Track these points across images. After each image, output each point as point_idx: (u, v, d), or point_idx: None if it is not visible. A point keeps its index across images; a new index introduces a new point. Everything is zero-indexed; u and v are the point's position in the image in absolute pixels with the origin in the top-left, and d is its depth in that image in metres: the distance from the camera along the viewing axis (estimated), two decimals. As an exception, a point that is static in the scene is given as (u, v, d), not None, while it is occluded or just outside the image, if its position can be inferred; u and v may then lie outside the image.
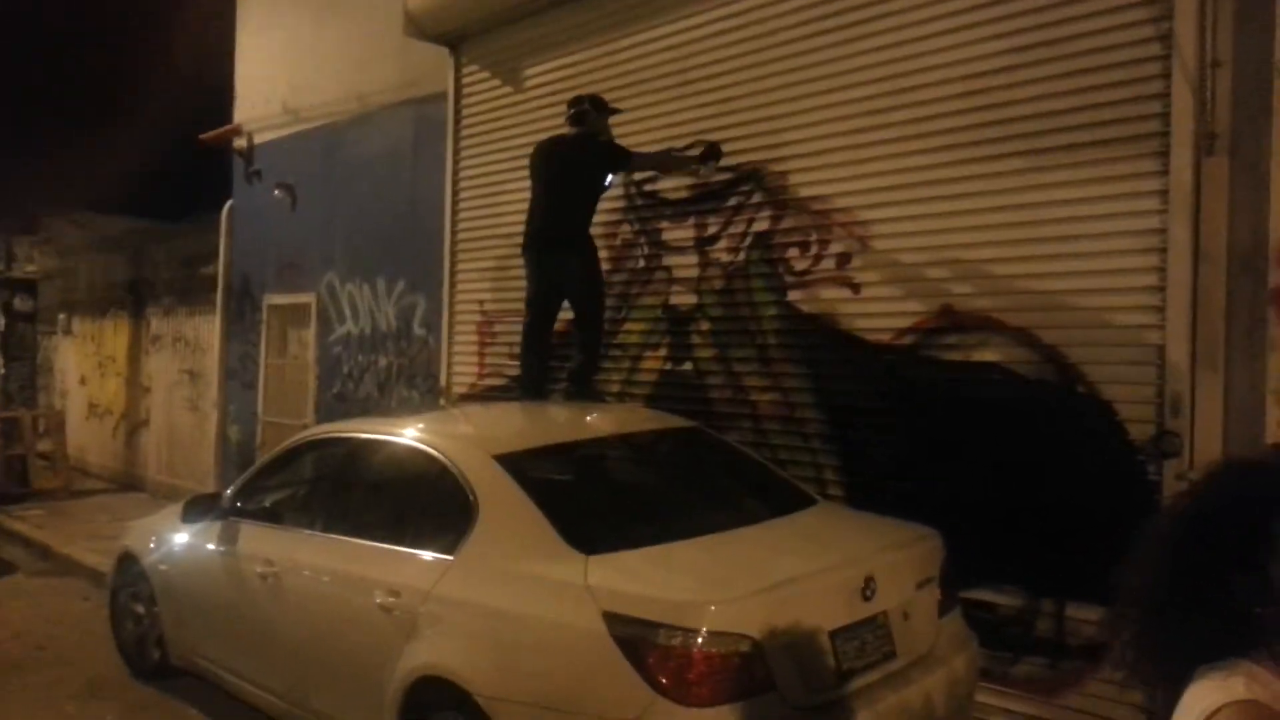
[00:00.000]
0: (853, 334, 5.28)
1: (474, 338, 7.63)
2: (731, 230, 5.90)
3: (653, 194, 6.38)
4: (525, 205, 6.24)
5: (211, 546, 5.26)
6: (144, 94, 13.05)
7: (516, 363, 6.74)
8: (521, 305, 6.26)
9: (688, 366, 6.12)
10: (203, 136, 11.03)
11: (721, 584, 3.48)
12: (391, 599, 3.99)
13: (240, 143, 10.63)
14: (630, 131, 6.17)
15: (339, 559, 4.46)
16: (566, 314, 6.06)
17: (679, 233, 6.21)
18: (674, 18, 6.20)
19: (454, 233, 7.79)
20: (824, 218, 5.41)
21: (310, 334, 9.56)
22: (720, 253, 5.96)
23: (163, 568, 5.73)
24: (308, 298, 9.57)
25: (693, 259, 6.11)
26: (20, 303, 14.91)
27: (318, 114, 9.55)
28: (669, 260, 6.27)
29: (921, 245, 4.98)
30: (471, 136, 7.70)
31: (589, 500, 4.42)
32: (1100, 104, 4.37)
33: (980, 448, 4.71)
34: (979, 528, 4.50)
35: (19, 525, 10.29)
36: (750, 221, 5.79)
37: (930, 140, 4.93)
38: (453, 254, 7.79)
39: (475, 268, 7.63)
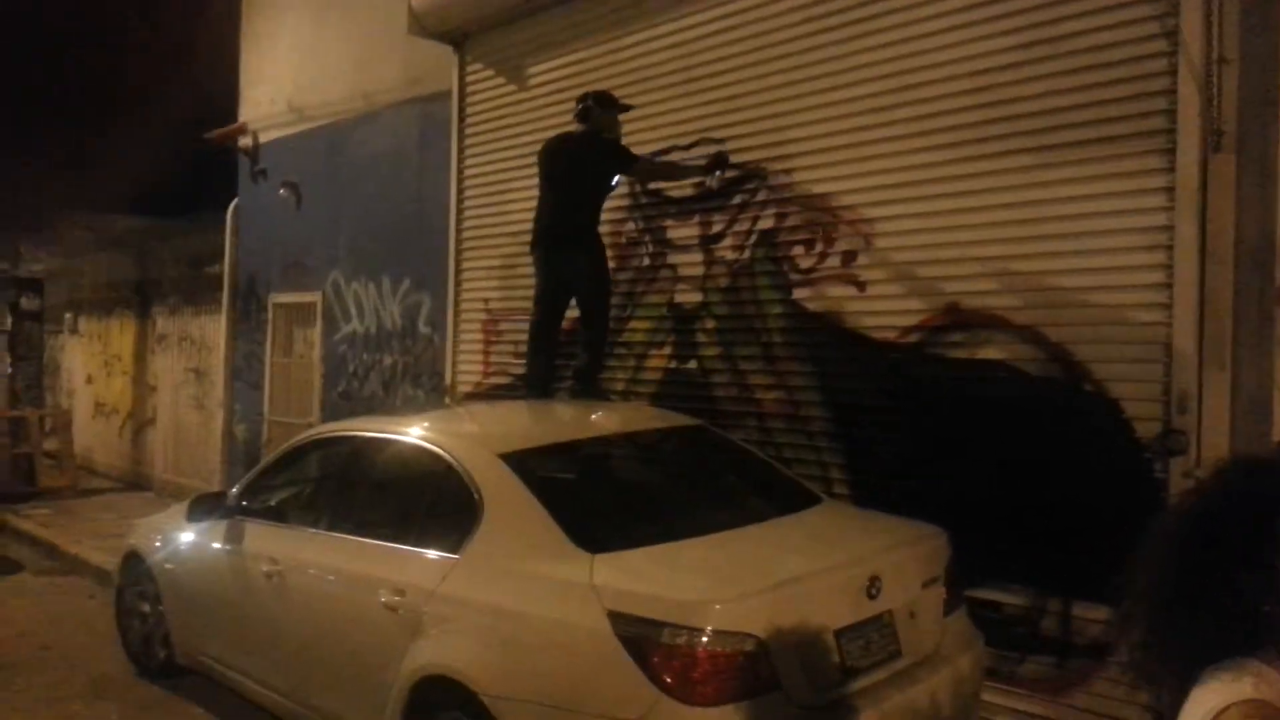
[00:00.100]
0: (858, 332, 5.27)
1: (479, 336, 7.63)
2: (736, 228, 5.89)
3: (657, 192, 6.37)
4: (531, 203, 6.24)
5: (217, 545, 5.27)
6: (149, 93, 13.06)
7: (522, 361, 6.74)
8: (527, 303, 6.26)
9: (693, 365, 6.11)
10: (208, 135, 11.04)
11: (726, 583, 3.48)
12: (396, 598, 3.99)
13: (245, 142, 10.65)
14: (635, 129, 6.16)
15: (344, 558, 4.46)
16: (574, 312, 6.05)
17: (684, 231, 6.20)
18: (678, 15, 6.18)
19: (459, 231, 7.78)
20: (829, 215, 5.40)
21: (316, 333, 9.56)
22: (725, 251, 5.95)
23: (168, 566, 5.74)
24: (313, 296, 9.58)
25: (698, 257, 6.10)
26: (27, 302, 14.91)
27: (322, 113, 9.55)
28: (674, 258, 6.26)
29: (927, 243, 4.97)
30: (476, 135, 7.69)
31: (594, 499, 4.42)
32: (1106, 100, 4.35)
33: (986, 446, 4.70)
34: (985, 526, 4.49)
35: (26, 524, 10.31)
36: (755, 219, 5.78)
37: (935, 137, 4.91)
38: (458, 252, 7.79)
39: (480, 266, 7.63)
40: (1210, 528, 1.50)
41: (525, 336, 6.33)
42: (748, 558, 3.77)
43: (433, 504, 4.36)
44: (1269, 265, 3.91)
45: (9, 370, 14.00)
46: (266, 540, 4.96)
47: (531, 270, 6.25)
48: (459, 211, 7.78)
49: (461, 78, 7.80)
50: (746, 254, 5.83)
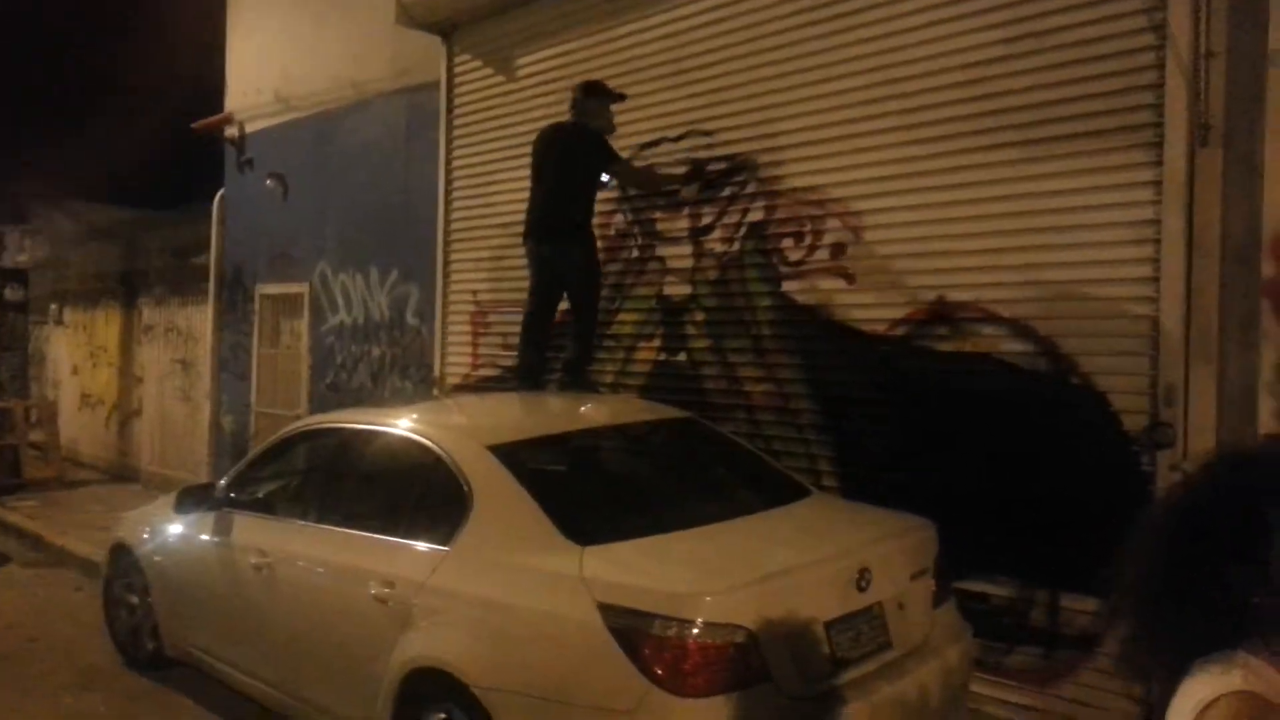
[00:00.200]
0: (847, 324, 5.28)
1: (467, 328, 7.62)
2: (726, 220, 5.89)
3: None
4: (519, 194, 6.24)
5: (205, 537, 5.25)
6: (135, 83, 12.98)
7: (510, 353, 6.73)
8: (515, 295, 6.25)
9: (682, 357, 6.11)
10: (194, 125, 10.98)
11: (716, 575, 3.49)
12: (386, 590, 3.99)
13: (232, 132, 10.58)
14: (624, 120, 6.15)
15: (333, 550, 4.46)
16: (565, 303, 6.05)
17: (673, 223, 6.20)
18: (667, 6, 6.17)
19: (447, 222, 7.77)
20: (818, 208, 5.41)
21: (303, 324, 9.53)
22: (715, 243, 5.95)
23: (156, 558, 5.72)
24: (300, 288, 9.55)
25: (687, 249, 6.10)
26: (11, 293, 14.84)
27: (310, 103, 9.51)
28: (663, 250, 6.26)
29: (916, 236, 4.98)
30: (465, 126, 7.67)
31: (584, 491, 4.41)
32: (1094, 94, 4.37)
33: (974, 438, 4.72)
34: (973, 518, 4.52)
35: (12, 516, 10.25)
36: (745, 212, 5.78)
37: (924, 130, 4.93)
38: (446, 243, 7.78)
39: (469, 257, 7.61)
40: (1198, 521, 1.51)
41: (514, 329, 6.33)
42: (738, 550, 3.78)
43: (422, 496, 4.36)
44: (1255, 259, 3.94)
45: (-7, 362, 13.95)
46: (255, 532, 4.95)
47: (520, 262, 6.24)
48: (447, 202, 7.76)
49: (450, 68, 7.77)
50: (736, 246, 5.83)
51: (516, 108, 7.20)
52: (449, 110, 7.77)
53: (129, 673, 5.92)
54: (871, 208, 5.17)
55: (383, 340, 8.58)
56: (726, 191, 5.87)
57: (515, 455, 4.12)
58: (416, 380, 8.15)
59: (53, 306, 15.02)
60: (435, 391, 7.71)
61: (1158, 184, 4.18)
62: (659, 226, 6.29)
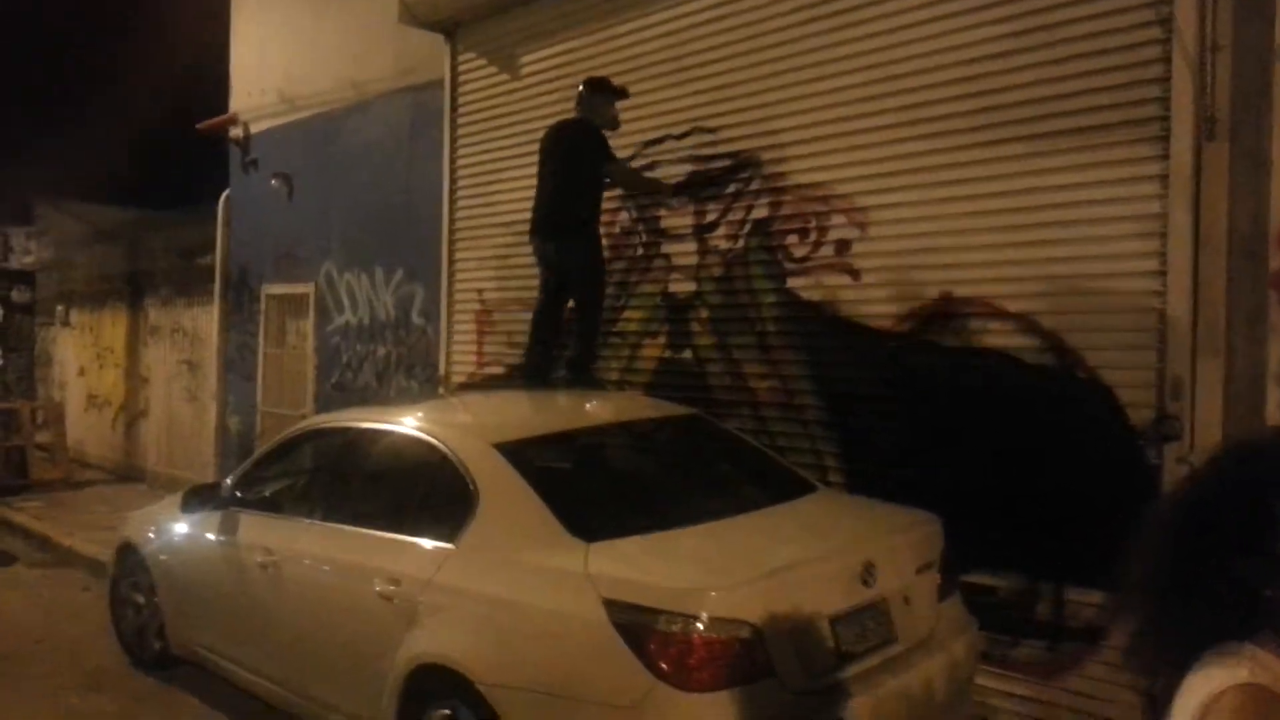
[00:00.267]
0: (852, 321, 5.27)
1: (473, 326, 7.62)
2: (730, 217, 5.89)
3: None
4: (524, 193, 6.25)
5: (211, 536, 5.26)
6: (140, 84, 13.01)
7: (515, 351, 6.73)
8: (520, 294, 6.26)
9: (687, 354, 6.11)
10: (199, 126, 11.00)
11: (722, 571, 3.49)
12: (392, 587, 3.99)
13: (236, 132, 10.60)
14: (627, 119, 6.14)
15: (339, 548, 4.46)
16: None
17: (678, 220, 6.20)
18: (669, 4, 6.16)
19: (452, 221, 7.77)
20: (823, 204, 5.40)
21: (309, 324, 9.54)
22: (719, 240, 5.94)
23: (163, 558, 5.73)
24: (306, 288, 9.55)
25: (691, 246, 6.10)
26: (18, 294, 14.86)
27: (314, 103, 9.52)
28: (668, 247, 6.25)
29: (921, 231, 4.97)
30: (469, 124, 7.67)
31: (589, 488, 4.42)
32: (1099, 88, 4.36)
33: (981, 433, 4.71)
34: (980, 512, 4.50)
35: (18, 517, 10.28)
36: (749, 208, 5.78)
37: (929, 125, 4.91)
38: (451, 242, 7.78)
39: (474, 256, 7.61)
40: (1205, 515, 1.50)
41: (518, 327, 6.32)
42: (743, 546, 3.78)
43: (428, 494, 4.36)
44: (1262, 252, 3.92)
45: (1, 363, 13.96)
46: (261, 531, 4.95)
47: (524, 260, 6.24)
48: (452, 201, 7.76)
49: (453, 67, 7.78)
50: (740, 243, 5.83)
51: (520, 106, 7.20)
52: (453, 109, 7.77)
53: (135, 673, 5.92)
54: (876, 203, 5.16)
55: (388, 340, 8.58)
56: (731, 188, 5.86)
57: (521, 453, 4.13)
58: (422, 379, 8.16)
59: (59, 308, 15.05)
60: (441, 390, 7.71)
61: (1164, 178, 4.16)
62: (664, 223, 6.28)
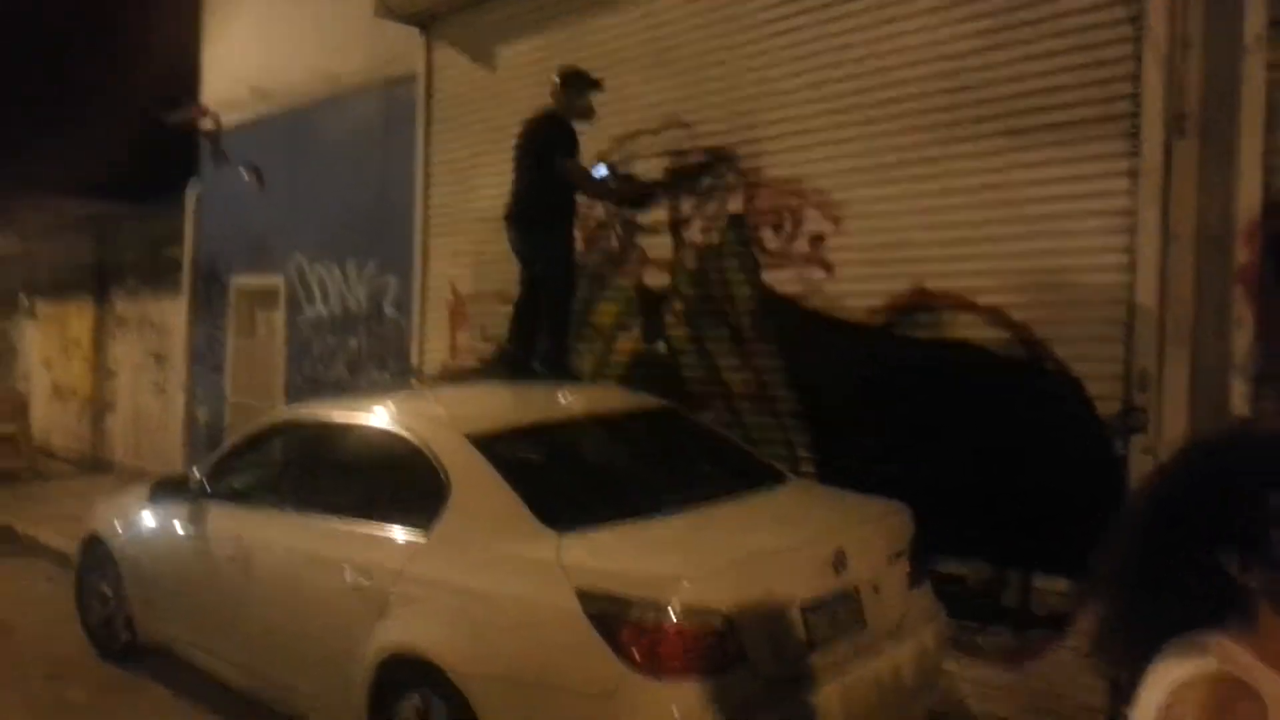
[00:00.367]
0: (826, 313, 5.29)
1: (446, 319, 7.59)
2: (705, 211, 5.89)
3: (627, 176, 6.34)
4: (499, 186, 6.22)
5: (180, 528, 5.21)
6: (109, 75, 12.84)
7: (489, 344, 6.71)
8: (494, 286, 6.23)
9: (661, 347, 6.11)
10: (169, 118, 10.87)
11: (693, 560, 3.49)
12: (363, 578, 3.97)
13: (207, 124, 10.50)
14: (604, 112, 6.11)
15: (310, 539, 4.43)
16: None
17: (652, 214, 6.19)
18: (647, -3, 6.16)
19: (426, 214, 7.74)
20: (797, 198, 5.41)
21: (279, 316, 9.47)
22: (694, 233, 5.95)
23: (130, 550, 5.67)
24: (276, 280, 9.48)
25: (666, 239, 6.10)
26: (-20, 285, 14.66)
27: (287, 95, 9.43)
28: (642, 240, 6.25)
29: (894, 225, 5.00)
30: (444, 118, 7.64)
31: (562, 479, 4.40)
32: (1071, 85, 4.39)
33: (950, 424, 4.74)
34: (947, 501, 4.53)
35: (-18, 508, 10.14)
36: (724, 202, 5.79)
37: (903, 120, 4.94)
38: (424, 235, 7.75)
39: (447, 249, 7.59)
40: (1174, 508, 1.51)
41: (492, 319, 6.30)
42: (715, 535, 3.79)
43: (400, 485, 4.33)
44: (1229, 247, 3.97)
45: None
46: (231, 522, 4.91)
47: (499, 253, 6.21)
48: (426, 194, 7.73)
49: (429, 60, 7.74)
50: (715, 237, 5.84)
51: (495, 99, 7.18)
52: (428, 102, 7.73)
53: (103, 663, 5.87)
54: (850, 197, 5.18)
55: (360, 331, 8.54)
56: (705, 181, 5.86)
57: (493, 444, 4.11)
58: (394, 371, 8.12)
59: (23, 299, 14.87)
60: (413, 382, 7.67)
61: (1134, 173, 4.20)
62: (638, 217, 6.28)
